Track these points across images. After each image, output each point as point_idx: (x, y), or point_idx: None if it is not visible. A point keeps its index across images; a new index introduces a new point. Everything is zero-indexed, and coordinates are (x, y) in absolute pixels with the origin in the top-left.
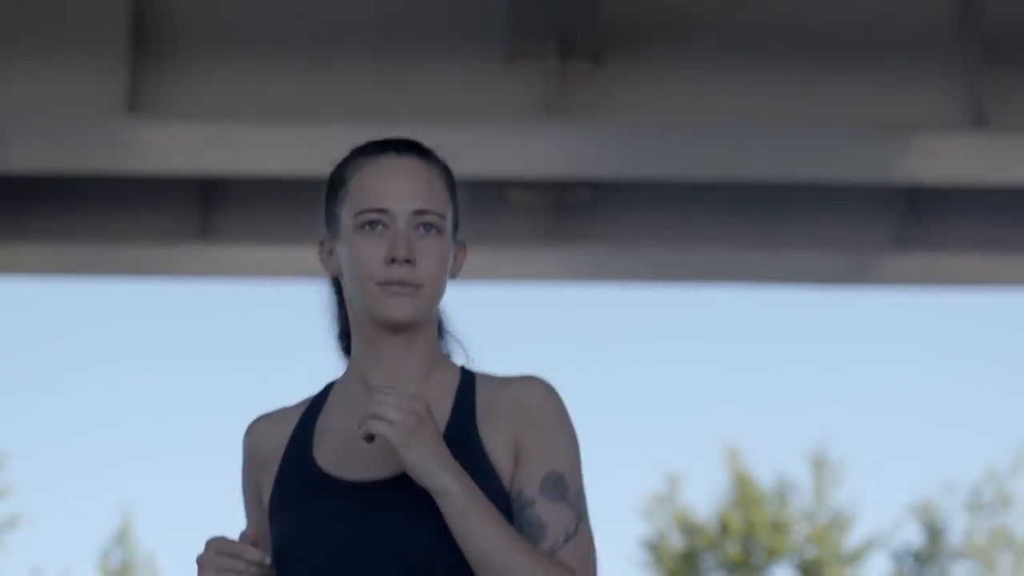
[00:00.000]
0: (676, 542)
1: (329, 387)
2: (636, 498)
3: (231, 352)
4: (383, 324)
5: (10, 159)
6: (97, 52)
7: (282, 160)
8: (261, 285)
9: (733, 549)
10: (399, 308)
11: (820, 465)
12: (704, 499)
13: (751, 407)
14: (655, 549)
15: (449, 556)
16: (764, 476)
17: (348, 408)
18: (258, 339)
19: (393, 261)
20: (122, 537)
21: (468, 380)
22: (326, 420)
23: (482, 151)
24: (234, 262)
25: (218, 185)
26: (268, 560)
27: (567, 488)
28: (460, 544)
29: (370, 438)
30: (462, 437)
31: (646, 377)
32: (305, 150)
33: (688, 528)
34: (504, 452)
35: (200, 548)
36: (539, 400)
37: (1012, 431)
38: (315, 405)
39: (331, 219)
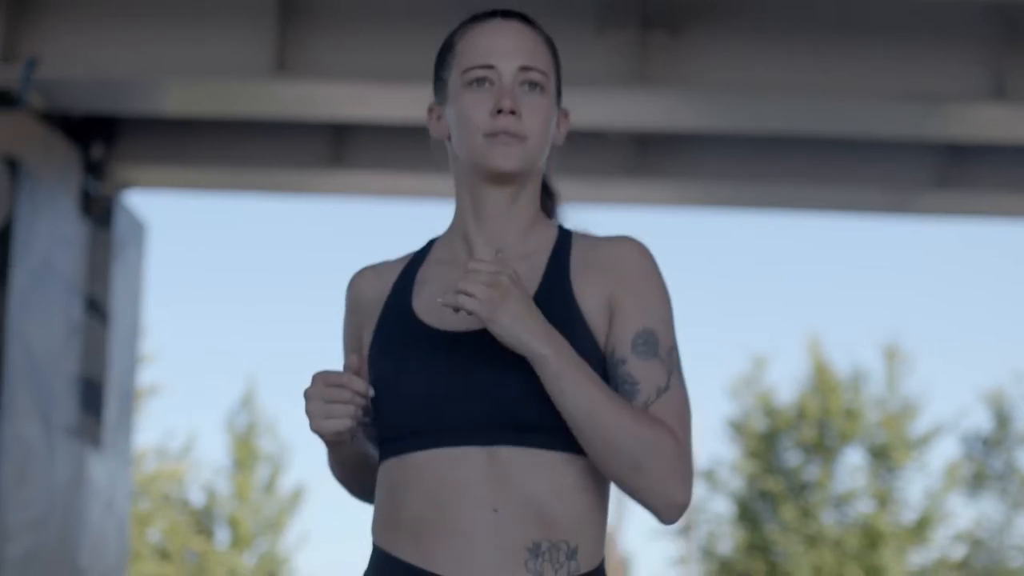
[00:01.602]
0: (758, 423)
1: (431, 243)
2: (725, 377)
3: (351, 261)
4: (489, 175)
5: (168, 104)
6: (248, 16)
7: (406, 111)
8: (385, 205)
9: (809, 432)
10: (506, 158)
11: (892, 356)
12: (786, 383)
13: (832, 301)
14: (739, 428)
15: (536, 398)
16: (841, 364)
17: (448, 262)
18: (377, 250)
19: (499, 112)
20: (247, 402)
21: (565, 238)
22: (426, 272)
23: (576, 109)
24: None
25: (349, 129)
26: (372, 392)
27: (659, 344)
28: (557, 405)
29: (455, 309)
30: (556, 295)
31: (738, 267)
32: (424, 105)
33: (769, 410)
34: (598, 309)
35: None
36: (633, 259)
37: None
38: (417, 258)
39: (439, 85)
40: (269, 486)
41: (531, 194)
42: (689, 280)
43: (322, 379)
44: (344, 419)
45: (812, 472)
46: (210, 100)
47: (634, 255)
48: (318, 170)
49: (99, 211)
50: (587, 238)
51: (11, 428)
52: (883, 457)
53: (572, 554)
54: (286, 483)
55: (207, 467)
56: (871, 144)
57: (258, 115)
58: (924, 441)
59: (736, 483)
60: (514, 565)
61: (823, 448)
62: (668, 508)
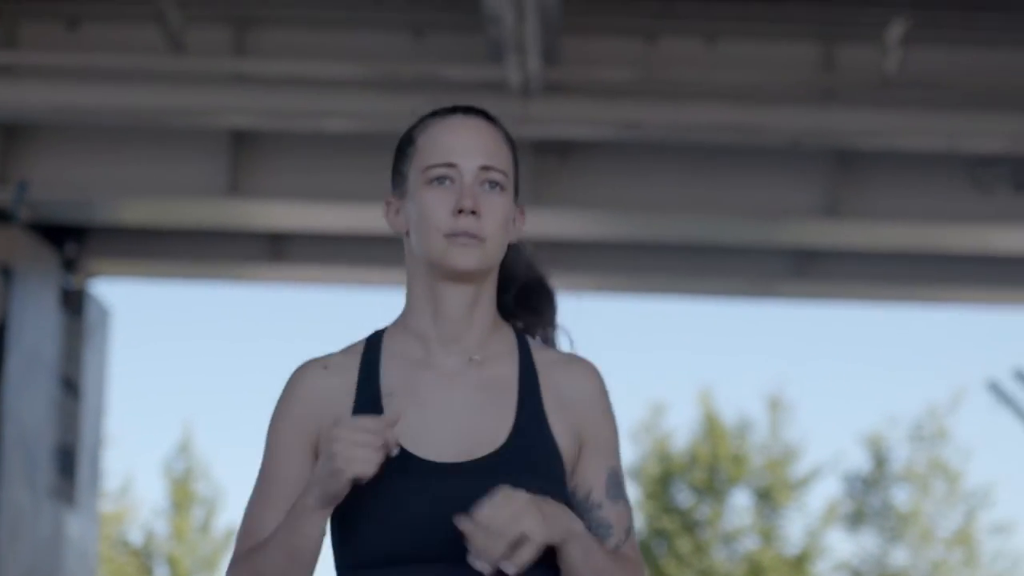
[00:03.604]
0: (655, 466)
1: (376, 339)
2: (625, 424)
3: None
4: (449, 275)
5: (136, 216)
6: (205, 145)
7: (336, 222)
8: (315, 294)
9: (701, 475)
10: (465, 258)
11: (775, 406)
12: (680, 430)
13: (720, 356)
14: (638, 471)
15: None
16: (729, 414)
17: (409, 364)
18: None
19: (460, 212)
20: (184, 448)
21: (523, 345)
22: (390, 382)
23: None
24: (296, 276)
25: (288, 235)
26: (397, 451)
27: (622, 484)
28: (570, 569)
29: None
30: (535, 425)
31: (640, 333)
32: (350, 219)
33: (665, 455)
34: (568, 444)
35: (251, 454)
36: (596, 393)
37: (952, 374)
38: (370, 360)
39: (398, 178)
40: (204, 526)
41: (490, 295)
42: (599, 343)
43: (355, 424)
44: (372, 463)
45: (703, 511)
46: (172, 214)
47: (596, 387)
48: (260, 264)
49: (73, 303)
50: (545, 351)
51: (6, 493)
52: (767, 498)
53: None
54: (220, 523)
55: (145, 509)
56: (732, 248)
57: (212, 226)
58: (804, 482)
59: (636, 521)
60: None
61: (713, 490)
62: None
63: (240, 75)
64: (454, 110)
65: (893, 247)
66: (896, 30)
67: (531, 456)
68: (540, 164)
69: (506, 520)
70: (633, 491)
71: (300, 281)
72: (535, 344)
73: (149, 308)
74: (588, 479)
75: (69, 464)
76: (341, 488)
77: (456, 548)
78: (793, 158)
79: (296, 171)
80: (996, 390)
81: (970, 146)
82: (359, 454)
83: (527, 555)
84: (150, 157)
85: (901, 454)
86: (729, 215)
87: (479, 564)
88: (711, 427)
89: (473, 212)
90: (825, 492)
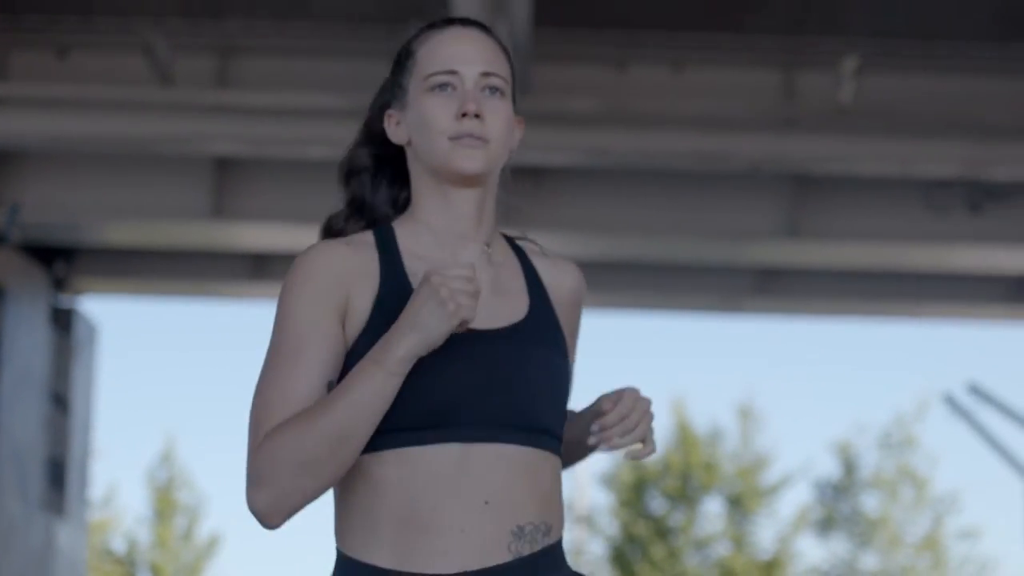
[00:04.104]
0: (629, 474)
1: (385, 229)
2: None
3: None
4: (455, 177)
5: (124, 238)
6: (189, 170)
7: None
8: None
9: (674, 483)
10: (470, 160)
11: (746, 415)
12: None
13: (691, 368)
14: (612, 479)
15: (550, 404)
16: (701, 423)
17: (431, 257)
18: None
19: (464, 115)
20: (166, 458)
21: (520, 251)
22: (411, 261)
23: None
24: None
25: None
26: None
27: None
28: (574, 450)
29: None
30: (546, 319)
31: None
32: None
33: (638, 464)
34: (570, 338)
35: (232, 464)
36: (580, 291)
37: (914, 384)
38: (387, 246)
39: (398, 90)
40: (187, 535)
41: (494, 196)
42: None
43: (450, 271)
44: (473, 308)
45: (676, 518)
46: (158, 235)
47: (581, 287)
48: (242, 282)
49: (63, 321)
50: (540, 256)
51: (0, 504)
52: (739, 504)
53: (547, 531)
54: (202, 531)
55: (128, 518)
56: (698, 267)
57: (196, 247)
58: (774, 489)
59: (611, 528)
60: (497, 549)
61: (686, 497)
62: None
63: (223, 105)
64: (451, 21)
65: (851, 266)
66: (850, 63)
67: (548, 330)
68: (515, 188)
69: (642, 412)
70: (608, 498)
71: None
72: (523, 243)
73: (135, 324)
74: None
75: (59, 476)
76: (444, 335)
77: (487, 409)
78: (755, 182)
79: (277, 195)
80: (951, 403)
81: (924, 171)
82: (465, 300)
83: (648, 451)
84: (137, 182)
85: (870, 461)
86: (695, 236)
87: (593, 439)
88: (683, 436)
89: (476, 115)
90: (795, 499)
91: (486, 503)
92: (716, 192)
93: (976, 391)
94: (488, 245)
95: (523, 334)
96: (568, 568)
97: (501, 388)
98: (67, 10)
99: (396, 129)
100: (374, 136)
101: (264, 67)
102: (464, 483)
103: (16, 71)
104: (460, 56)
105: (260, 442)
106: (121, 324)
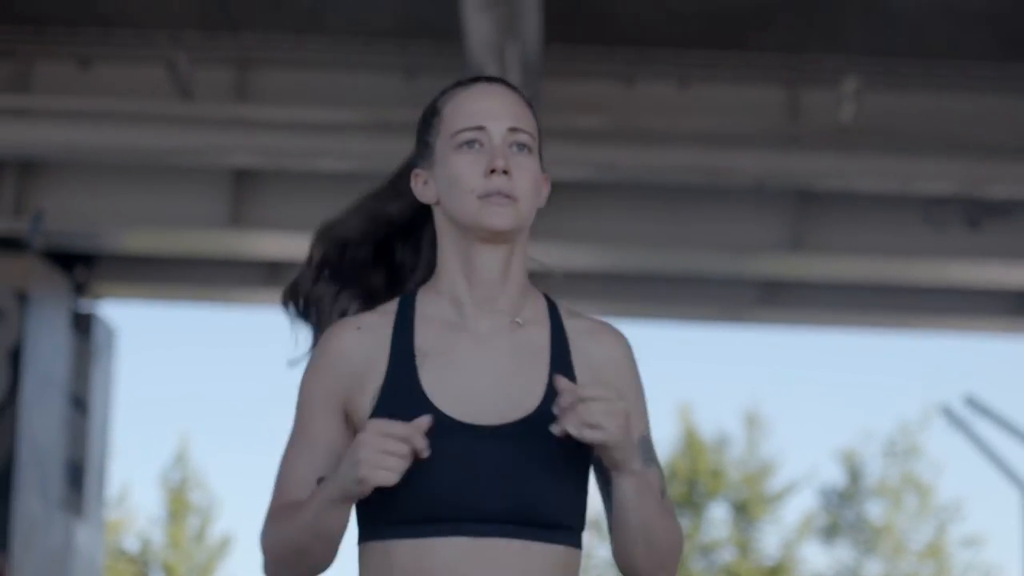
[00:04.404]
0: None
1: (409, 300)
2: None
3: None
4: (484, 236)
5: (143, 245)
6: (208, 181)
7: None
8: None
9: (680, 489)
10: (500, 218)
11: (752, 422)
12: (659, 445)
13: (698, 376)
14: None
15: (560, 498)
16: (707, 430)
17: (444, 326)
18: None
19: (492, 172)
20: (180, 459)
21: (554, 312)
22: (424, 342)
23: None
24: None
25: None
26: (428, 453)
27: (652, 449)
28: (621, 511)
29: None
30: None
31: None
32: None
33: None
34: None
35: (245, 465)
36: (625, 359)
37: (917, 394)
38: (403, 319)
39: (424, 150)
40: (199, 535)
41: (522, 258)
42: None
43: (383, 429)
44: (395, 473)
45: (683, 524)
46: (176, 243)
47: (625, 355)
48: (257, 288)
49: (83, 325)
50: (576, 318)
51: (22, 504)
52: (744, 511)
53: None
54: (215, 532)
55: (142, 518)
56: (704, 279)
57: (213, 254)
58: (780, 496)
59: None
60: None
61: (692, 503)
62: None
63: (241, 119)
64: (476, 79)
65: (853, 279)
66: (850, 84)
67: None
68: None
69: (610, 402)
70: None
71: None
72: (564, 309)
73: (152, 327)
74: None
75: (78, 477)
76: (363, 492)
77: (491, 508)
78: (759, 197)
79: (293, 205)
80: (949, 415)
81: (923, 188)
82: (386, 463)
83: (596, 439)
84: (156, 191)
85: (875, 469)
86: (701, 249)
87: (557, 428)
88: (690, 442)
89: (505, 172)
90: (800, 506)
91: None
92: (721, 206)
93: (972, 403)
94: (507, 315)
95: (529, 429)
96: None
97: (508, 486)
98: (89, 23)
99: (423, 188)
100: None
101: (281, 80)
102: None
103: (39, 83)
104: (487, 112)
105: (268, 513)
106: (138, 327)
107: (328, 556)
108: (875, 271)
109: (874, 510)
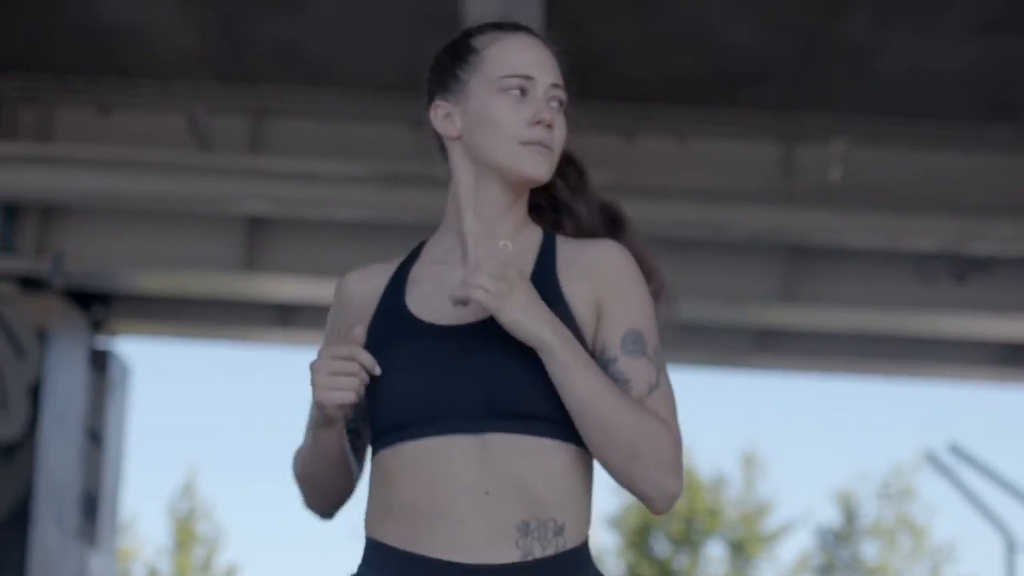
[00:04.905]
0: (635, 517)
1: (422, 244)
2: (608, 477)
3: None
4: (519, 180)
5: (159, 287)
6: (223, 227)
7: None
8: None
9: (678, 527)
10: (538, 167)
11: (749, 463)
12: None
13: (696, 419)
14: (619, 521)
15: (529, 388)
16: (705, 470)
17: (441, 261)
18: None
19: (538, 123)
20: (187, 489)
21: (549, 240)
22: (419, 271)
23: None
24: (300, 339)
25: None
26: (378, 369)
27: (646, 344)
28: (561, 394)
29: (464, 302)
30: (546, 290)
31: None
32: None
33: (643, 507)
34: (585, 308)
35: (251, 497)
36: (618, 261)
37: (913, 436)
38: (409, 260)
39: (454, 84)
40: (206, 565)
41: (524, 198)
42: None
43: (329, 352)
44: (349, 391)
45: (680, 561)
46: (190, 285)
47: (618, 257)
48: (269, 329)
49: (99, 361)
50: (571, 241)
51: (39, 535)
52: (741, 550)
53: (559, 531)
54: (220, 562)
55: (149, 547)
56: (700, 326)
57: (227, 296)
58: (776, 536)
59: (617, 569)
60: (504, 544)
61: (689, 541)
62: (661, 497)
63: (256, 169)
64: (517, 27)
65: (844, 329)
66: (838, 147)
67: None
68: None
69: (489, 273)
70: (613, 540)
71: (304, 344)
72: (563, 238)
73: (165, 363)
74: (604, 337)
75: (92, 508)
76: (332, 416)
77: (463, 403)
78: (754, 251)
79: (305, 251)
80: (934, 461)
81: (911, 244)
82: (337, 383)
83: (475, 297)
84: (172, 235)
85: (869, 510)
86: (698, 298)
87: (453, 296)
88: (688, 482)
89: (549, 125)
90: (797, 545)
91: (486, 493)
92: (718, 259)
93: (956, 450)
94: (510, 240)
95: (496, 324)
96: (592, 573)
97: (478, 379)
98: (110, 73)
99: (444, 121)
100: None
101: (294, 129)
102: (458, 473)
103: (61, 130)
104: (536, 63)
105: (296, 453)
106: (152, 364)
107: (342, 477)
108: (866, 322)
109: (869, 550)
